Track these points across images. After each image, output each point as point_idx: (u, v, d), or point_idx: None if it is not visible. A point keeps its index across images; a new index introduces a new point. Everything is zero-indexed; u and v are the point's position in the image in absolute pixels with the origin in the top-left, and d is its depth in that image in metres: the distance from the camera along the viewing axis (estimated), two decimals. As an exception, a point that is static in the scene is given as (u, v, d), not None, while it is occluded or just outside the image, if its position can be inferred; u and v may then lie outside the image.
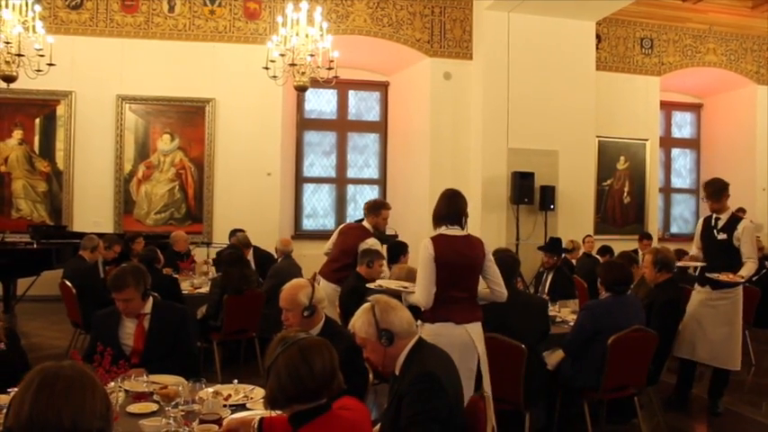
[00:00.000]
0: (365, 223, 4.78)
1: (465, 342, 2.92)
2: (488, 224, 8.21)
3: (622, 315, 3.46)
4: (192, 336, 3.16)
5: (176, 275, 5.74)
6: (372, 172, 9.80)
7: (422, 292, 2.94)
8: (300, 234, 9.06)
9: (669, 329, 3.76)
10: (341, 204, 9.61)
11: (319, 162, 9.57)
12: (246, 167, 8.39)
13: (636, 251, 7.40)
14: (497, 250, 3.57)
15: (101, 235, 6.12)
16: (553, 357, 3.69)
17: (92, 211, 8.09)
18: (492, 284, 3.06)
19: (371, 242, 4.61)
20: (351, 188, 9.69)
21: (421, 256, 2.96)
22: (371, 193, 9.69)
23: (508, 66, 8.34)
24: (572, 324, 3.78)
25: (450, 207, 3.05)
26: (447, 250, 2.95)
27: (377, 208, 4.76)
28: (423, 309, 2.96)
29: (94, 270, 5.60)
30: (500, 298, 3.09)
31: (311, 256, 6.96)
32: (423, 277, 2.94)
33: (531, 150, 8.44)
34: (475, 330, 2.98)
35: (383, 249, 4.76)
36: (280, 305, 2.62)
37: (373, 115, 9.78)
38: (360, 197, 9.47)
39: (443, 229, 3.02)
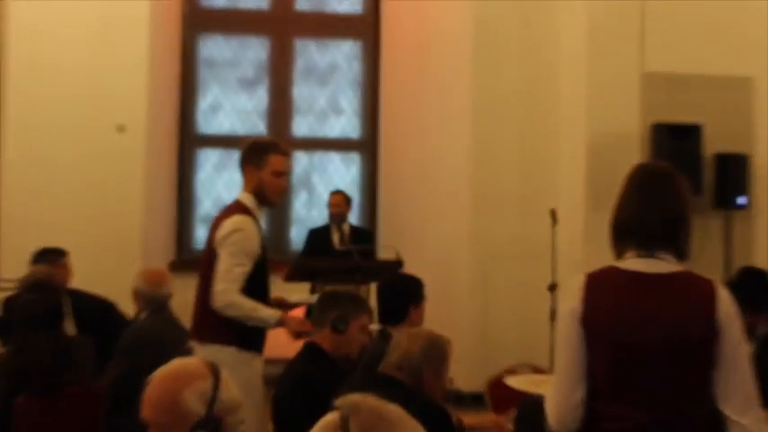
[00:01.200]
0: (241, 195, 4.88)
1: None
2: (601, 231, 7.37)
3: None
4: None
5: None
6: (348, 125, 8.80)
7: (553, 395, 2.72)
8: (189, 259, 7.92)
9: None
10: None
11: (232, 102, 8.53)
12: (75, 117, 7.62)
13: None
14: None
15: None
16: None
17: None
18: (723, 400, 2.52)
19: (235, 222, 4.62)
20: (302, 158, 8.61)
21: (559, 312, 2.93)
22: (345, 169, 8.77)
23: None
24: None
25: (643, 204, 2.64)
26: (615, 304, 2.62)
27: (259, 151, 4.84)
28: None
29: None
30: None
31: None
32: (557, 363, 2.81)
33: (691, 78, 7.55)
34: None
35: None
36: (142, 417, 2.44)
37: (350, 4, 8.71)
38: (320, 176, 8.60)
39: (628, 258, 2.65)
